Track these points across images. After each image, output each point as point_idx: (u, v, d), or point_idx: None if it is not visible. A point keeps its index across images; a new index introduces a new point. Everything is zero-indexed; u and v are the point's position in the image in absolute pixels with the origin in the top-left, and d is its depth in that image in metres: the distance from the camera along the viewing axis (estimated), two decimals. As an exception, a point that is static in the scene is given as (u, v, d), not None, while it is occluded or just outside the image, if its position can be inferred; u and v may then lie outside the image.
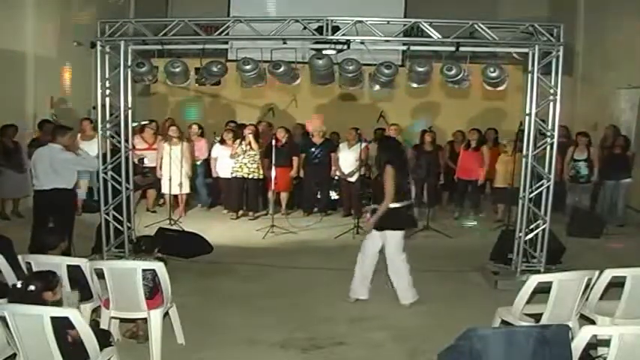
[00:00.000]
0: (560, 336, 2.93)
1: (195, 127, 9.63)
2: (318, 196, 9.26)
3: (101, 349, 3.34)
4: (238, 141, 8.87)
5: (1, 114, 8.38)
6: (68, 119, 9.40)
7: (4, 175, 8.23)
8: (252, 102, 11.96)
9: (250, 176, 8.81)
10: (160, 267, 4.17)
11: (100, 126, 6.21)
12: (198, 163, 9.50)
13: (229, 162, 8.94)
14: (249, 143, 8.74)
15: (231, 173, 8.91)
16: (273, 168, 8.30)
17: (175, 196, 8.99)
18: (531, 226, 6.05)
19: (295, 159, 9.11)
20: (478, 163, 9.05)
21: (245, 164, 8.78)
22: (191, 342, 4.47)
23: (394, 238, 5.32)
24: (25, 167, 8.30)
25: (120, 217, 6.27)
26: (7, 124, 8.30)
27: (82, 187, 8.57)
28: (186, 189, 9.04)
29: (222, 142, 9.12)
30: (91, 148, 8.53)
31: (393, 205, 5.26)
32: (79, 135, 8.71)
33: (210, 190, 9.81)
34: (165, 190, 8.84)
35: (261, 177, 8.89)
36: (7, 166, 8.23)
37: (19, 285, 3.37)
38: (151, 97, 12.40)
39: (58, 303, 3.43)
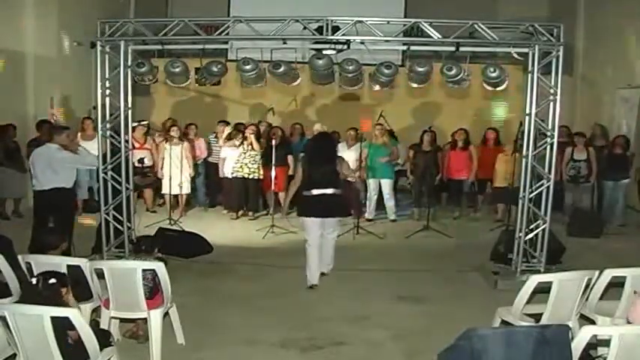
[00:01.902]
0: (560, 336, 2.93)
1: (192, 127, 9.64)
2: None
3: (101, 349, 3.34)
4: (240, 140, 8.88)
5: (1, 114, 8.38)
6: (68, 119, 9.42)
7: (6, 174, 8.23)
8: (252, 102, 11.96)
9: (251, 176, 8.81)
10: (160, 267, 4.17)
11: (99, 126, 6.21)
12: (199, 162, 9.51)
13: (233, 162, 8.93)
14: (251, 143, 8.74)
15: (232, 173, 8.91)
16: (273, 168, 8.30)
17: (176, 196, 9.00)
18: (531, 226, 6.05)
19: (290, 158, 9.12)
20: (466, 163, 9.07)
21: (246, 164, 8.78)
22: (191, 342, 4.47)
23: (330, 222, 5.97)
24: (26, 167, 8.29)
25: (120, 217, 6.27)
26: (6, 123, 8.30)
27: (83, 187, 8.57)
28: (186, 189, 9.05)
29: (229, 138, 9.08)
30: (93, 147, 8.55)
31: (305, 193, 5.87)
32: (79, 134, 8.71)
33: (208, 190, 9.80)
34: (165, 190, 8.83)
35: (260, 177, 8.89)
36: (8, 166, 8.23)
37: (34, 281, 3.36)
38: (150, 97, 12.40)
39: (67, 302, 3.43)
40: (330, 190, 5.82)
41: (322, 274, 6.10)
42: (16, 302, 3.57)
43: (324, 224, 5.93)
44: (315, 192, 5.82)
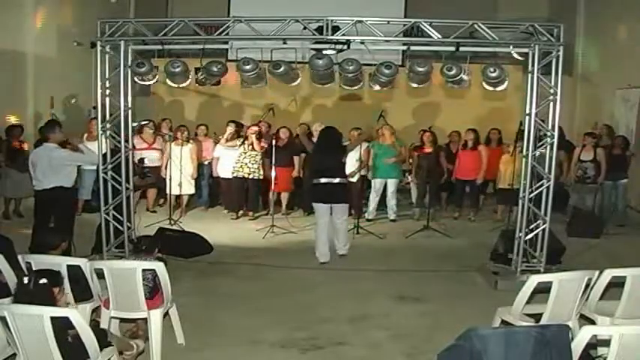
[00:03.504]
0: (560, 336, 2.93)
1: (202, 128, 9.65)
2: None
3: (101, 349, 3.34)
4: (241, 140, 8.87)
5: (1, 114, 8.38)
6: (68, 119, 9.42)
7: (9, 174, 8.22)
8: (252, 102, 11.96)
9: (251, 176, 8.80)
10: (160, 267, 4.17)
11: (99, 126, 6.21)
12: (206, 163, 9.50)
13: (230, 162, 8.93)
14: (252, 144, 8.73)
15: (232, 173, 8.91)
16: (274, 168, 8.30)
17: (177, 197, 8.99)
18: (531, 226, 6.05)
19: (296, 158, 9.11)
20: (476, 163, 9.05)
21: (246, 164, 8.77)
22: (191, 342, 4.47)
23: (338, 208, 6.61)
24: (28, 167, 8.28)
25: (120, 217, 6.27)
26: (12, 124, 8.28)
27: (87, 187, 8.56)
28: (187, 190, 9.04)
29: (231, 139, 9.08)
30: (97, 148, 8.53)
31: (314, 181, 6.65)
32: (85, 135, 8.70)
33: (210, 190, 9.79)
34: (168, 189, 8.83)
35: (261, 177, 8.89)
36: (11, 166, 8.20)
37: (25, 281, 3.36)
38: (150, 97, 12.40)
39: (58, 302, 3.42)
40: (336, 179, 6.55)
41: (342, 255, 6.81)
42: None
43: (332, 210, 6.61)
44: (323, 180, 6.55)
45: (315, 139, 9.11)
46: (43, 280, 3.30)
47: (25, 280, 3.35)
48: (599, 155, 8.62)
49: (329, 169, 6.57)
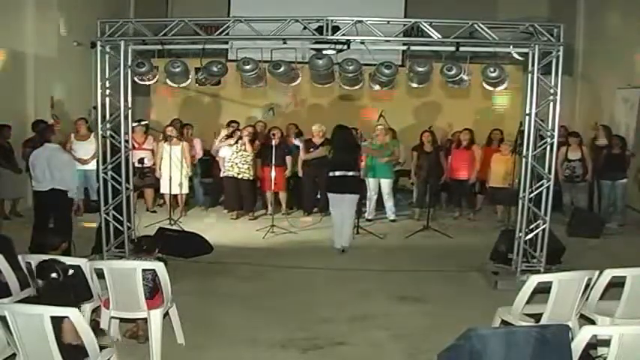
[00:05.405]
0: (560, 336, 2.93)
1: (189, 127, 9.64)
2: (318, 196, 9.25)
3: (101, 350, 3.34)
4: (235, 139, 8.86)
5: (1, 114, 8.37)
6: (68, 119, 9.41)
7: (3, 175, 8.19)
8: (252, 102, 11.95)
9: (240, 176, 8.75)
10: (160, 267, 4.17)
11: (100, 126, 6.21)
12: (195, 162, 9.50)
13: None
14: (244, 144, 8.69)
15: (223, 172, 8.89)
16: (273, 168, 8.29)
17: (175, 196, 8.99)
18: (531, 226, 6.05)
19: (288, 158, 9.10)
20: (469, 163, 9.05)
21: (236, 164, 8.72)
22: (191, 342, 4.47)
23: (349, 199, 7.11)
24: (20, 168, 8.24)
25: (120, 217, 6.27)
26: (1, 124, 8.25)
27: (79, 188, 8.51)
28: (185, 189, 9.04)
29: (230, 136, 9.07)
30: (85, 147, 8.52)
31: (330, 174, 7.14)
32: (72, 135, 8.68)
33: (205, 189, 9.79)
34: (165, 190, 8.82)
35: (251, 178, 8.86)
36: (5, 167, 8.18)
37: (54, 275, 3.34)
38: (150, 97, 12.39)
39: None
40: (350, 173, 7.04)
41: (342, 250, 7.11)
42: (42, 302, 3.37)
43: (343, 200, 7.05)
44: (337, 173, 7.05)
45: (313, 139, 9.17)
46: (71, 271, 3.33)
47: (54, 275, 3.33)
48: (585, 154, 8.73)
49: (345, 164, 7.06)
